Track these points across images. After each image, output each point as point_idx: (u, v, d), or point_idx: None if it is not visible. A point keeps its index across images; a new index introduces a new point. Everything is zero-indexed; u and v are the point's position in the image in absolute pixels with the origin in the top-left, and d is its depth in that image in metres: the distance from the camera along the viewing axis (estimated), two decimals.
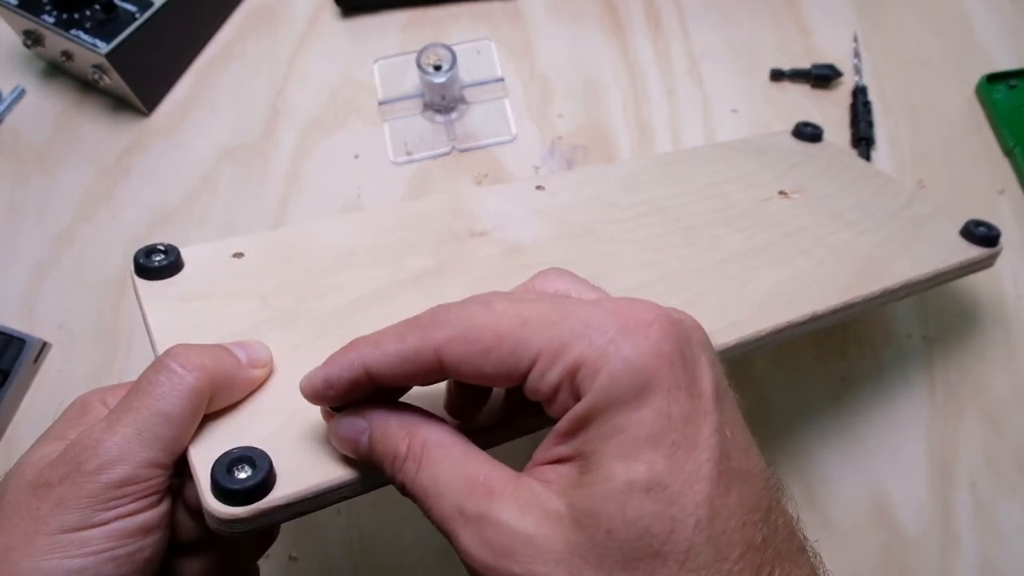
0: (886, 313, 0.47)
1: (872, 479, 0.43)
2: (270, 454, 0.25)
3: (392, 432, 0.23)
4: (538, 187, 0.43)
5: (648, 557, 0.18)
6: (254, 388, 0.27)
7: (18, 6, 0.50)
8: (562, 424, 0.20)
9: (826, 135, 0.53)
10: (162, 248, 0.34)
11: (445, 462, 0.22)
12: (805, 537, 0.21)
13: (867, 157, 0.51)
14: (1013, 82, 0.54)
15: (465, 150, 0.53)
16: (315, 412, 0.26)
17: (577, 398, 0.20)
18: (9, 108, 0.55)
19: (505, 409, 0.26)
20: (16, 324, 0.47)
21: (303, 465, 0.25)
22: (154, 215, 0.51)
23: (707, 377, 0.20)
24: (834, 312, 0.39)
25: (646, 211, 0.43)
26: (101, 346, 0.47)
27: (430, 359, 0.21)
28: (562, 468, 0.20)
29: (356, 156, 0.53)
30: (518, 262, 0.37)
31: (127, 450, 0.24)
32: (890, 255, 0.43)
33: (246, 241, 0.36)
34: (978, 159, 0.52)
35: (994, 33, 0.57)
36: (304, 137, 0.54)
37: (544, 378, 0.20)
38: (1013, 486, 0.43)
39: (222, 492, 0.23)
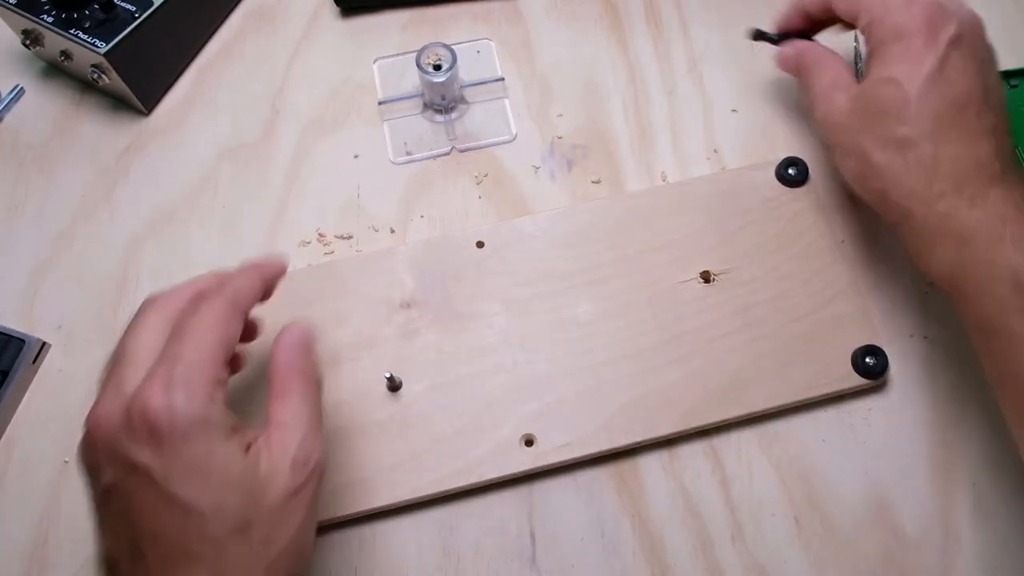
0: (886, 313, 0.47)
1: (872, 479, 0.43)
2: None
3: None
4: (478, 244, 0.47)
5: (884, 115, 0.39)
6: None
7: (17, 6, 0.50)
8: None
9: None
10: None
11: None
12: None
13: None
14: (1014, 82, 0.54)
15: (465, 150, 0.53)
16: None
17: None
18: (8, 108, 0.55)
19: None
20: (15, 324, 0.47)
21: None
22: (154, 215, 0.51)
23: (945, 36, 0.39)
24: (663, 439, 0.42)
25: (559, 290, 0.45)
26: (101, 346, 0.47)
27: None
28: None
29: (356, 156, 0.53)
30: (408, 351, 0.44)
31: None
32: (758, 374, 0.43)
33: None
34: None
35: (994, 33, 0.56)
36: (304, 137, 0.54)
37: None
38: (1013, 486, 0.43)
39: None
